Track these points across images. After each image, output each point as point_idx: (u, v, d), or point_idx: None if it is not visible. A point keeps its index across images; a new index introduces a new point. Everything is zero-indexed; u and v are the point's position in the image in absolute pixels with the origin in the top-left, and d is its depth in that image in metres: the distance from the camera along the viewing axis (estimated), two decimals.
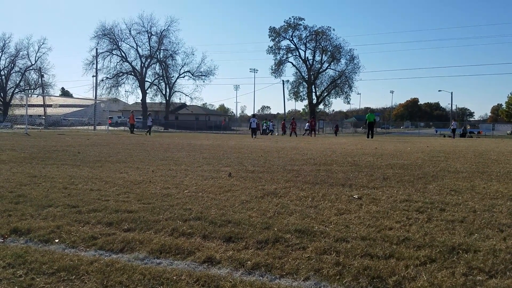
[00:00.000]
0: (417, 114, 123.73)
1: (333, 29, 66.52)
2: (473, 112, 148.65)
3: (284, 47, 61.19)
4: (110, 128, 42.90)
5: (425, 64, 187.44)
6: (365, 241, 2.92)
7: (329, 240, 2.93)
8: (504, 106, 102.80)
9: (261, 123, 42.13)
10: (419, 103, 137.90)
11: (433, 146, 15.61)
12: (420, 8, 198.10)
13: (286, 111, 63.77)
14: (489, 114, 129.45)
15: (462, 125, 47.66)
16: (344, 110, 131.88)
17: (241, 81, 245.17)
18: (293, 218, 3.56)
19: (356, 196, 4.63)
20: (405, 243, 2.87)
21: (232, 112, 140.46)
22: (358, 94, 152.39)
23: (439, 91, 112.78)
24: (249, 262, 2.51)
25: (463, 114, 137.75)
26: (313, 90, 61.14)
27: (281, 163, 8.34)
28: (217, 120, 70.06)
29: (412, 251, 2.68)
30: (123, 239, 2.96)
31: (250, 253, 2.68)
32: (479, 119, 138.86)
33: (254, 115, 34.27)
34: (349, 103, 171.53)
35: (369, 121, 25.42)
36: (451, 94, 63.46)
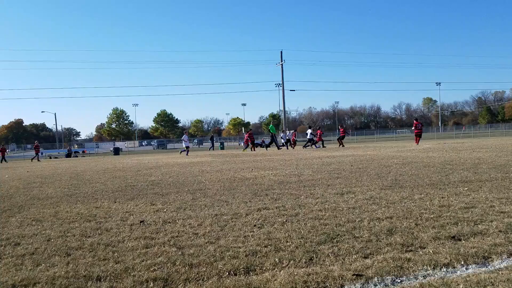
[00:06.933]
0: (23, 136, 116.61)
1: None
2: (80, 132, 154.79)
3: None
4: None
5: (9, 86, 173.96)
6: None
7: None
8: (106, 125, 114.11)
9: None
10: (24, 124, 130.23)
11: (34, 171, 15.16)
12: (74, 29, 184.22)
13: None
14: (95, 133, 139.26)
15: (68, 145, 48.61)
16: None
17: None
18: None
19: None
20: None
21: None
22: None
23: (42, 112, 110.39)
24: None
25: (70, 134, 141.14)
26: None
27: None
28: None
29: None
30: None
31: None
32: (85, 138, 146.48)
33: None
34: None
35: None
36: (55, 115, 63.66)
